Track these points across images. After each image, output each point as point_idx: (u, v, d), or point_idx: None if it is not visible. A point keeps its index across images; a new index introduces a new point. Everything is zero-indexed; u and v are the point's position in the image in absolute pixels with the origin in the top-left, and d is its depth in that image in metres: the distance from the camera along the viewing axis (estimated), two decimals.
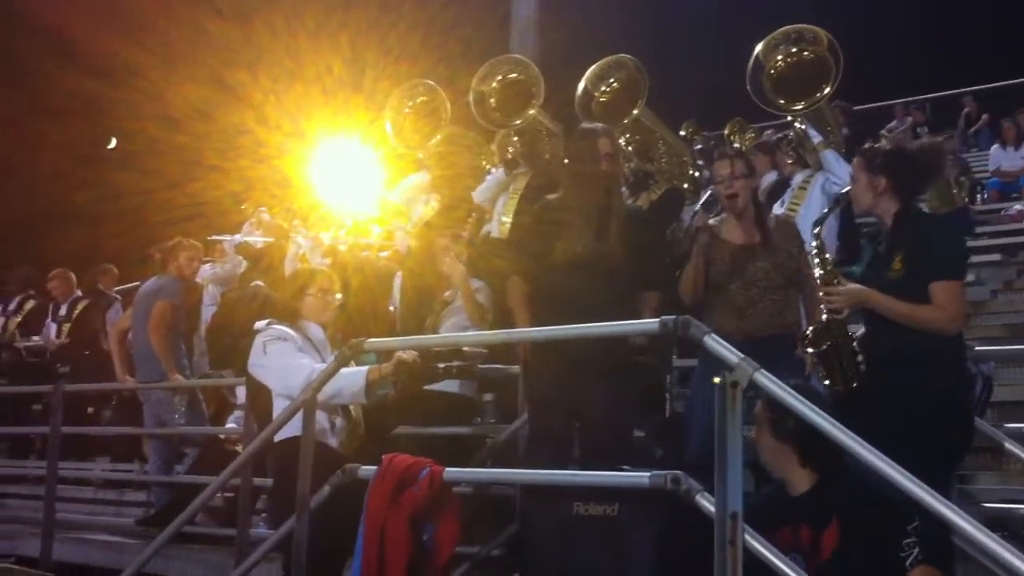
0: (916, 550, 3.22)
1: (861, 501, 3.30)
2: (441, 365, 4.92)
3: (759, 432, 3.57)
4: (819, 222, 4.50)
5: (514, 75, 7.31)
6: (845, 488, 3.38)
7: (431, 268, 6.51)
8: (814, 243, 4.38)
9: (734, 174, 4.98)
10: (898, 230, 4.16)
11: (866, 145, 4.48)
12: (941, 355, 4.01)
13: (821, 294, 4.25)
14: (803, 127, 6.89)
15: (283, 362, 4.55)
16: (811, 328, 4.29)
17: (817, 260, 4.32)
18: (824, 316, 4.20)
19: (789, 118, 6.96)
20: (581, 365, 4.54)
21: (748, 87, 6.45)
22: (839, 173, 6.36)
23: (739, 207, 4.98)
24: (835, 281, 4.22)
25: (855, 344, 4.15)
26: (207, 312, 9.02)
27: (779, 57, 6.48)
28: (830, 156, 6.70)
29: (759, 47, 6.48)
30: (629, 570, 3.50)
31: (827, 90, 6.38)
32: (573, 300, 4.61)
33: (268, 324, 4.70)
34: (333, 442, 4.58)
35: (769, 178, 7.81)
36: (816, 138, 6.79)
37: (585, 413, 4.74)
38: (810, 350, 4.23)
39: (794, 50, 6.46)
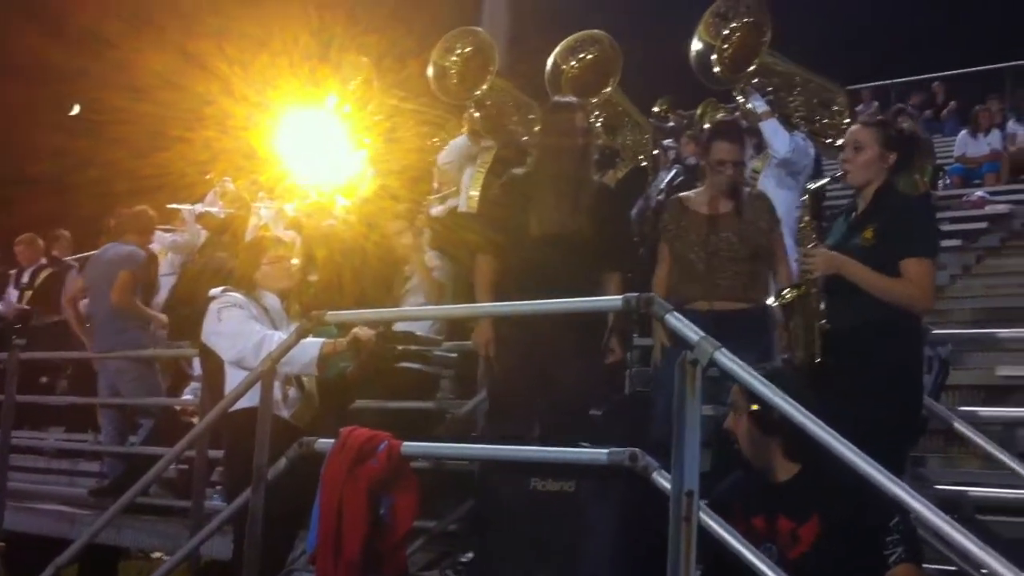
0: (900, 548, 3.16)
1: (843, 494, 3.20)
2: (399, 347, 4.89)
3: (736, 420, 3.45)
4: (808, 191, 4.49)
5: (470, 48, 7.19)
6: (827, 480, 3.25)
7: (396, 242, 6.45)
8: (799, 207, 4.40)
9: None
10: (876, 205, 4.17)
11: (879, 118, 4.49)
12: (905, 330, 4.04)
13: (797, 255, 4.27)
14: (745, 99, 6.26)
15: (236, 329, 4.49)
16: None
17: (802, 222, 4.35)
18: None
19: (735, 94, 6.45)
20: (550, 340, 4.49)
21: (699, 75, 6.30)
22: (776, 145, 5.94)
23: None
24: (811, 244, 4.22)
25: (824, 321, 4.12)
26: (165, 282, 8.89)
27: (725, 32, 6.26)
28: (767, 127, 6.07)
29: (699, 31, 6.31)
30: (586, 546, 3.49)
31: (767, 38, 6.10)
32: (544, 275, 4.57)
33: (223, 291, 4.63)
34: (285, 414, 4.52)
35: None
36: (761, 108, 6.18)
37: (550, 389, 4.68)
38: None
39: (734, 24, 6.25)
